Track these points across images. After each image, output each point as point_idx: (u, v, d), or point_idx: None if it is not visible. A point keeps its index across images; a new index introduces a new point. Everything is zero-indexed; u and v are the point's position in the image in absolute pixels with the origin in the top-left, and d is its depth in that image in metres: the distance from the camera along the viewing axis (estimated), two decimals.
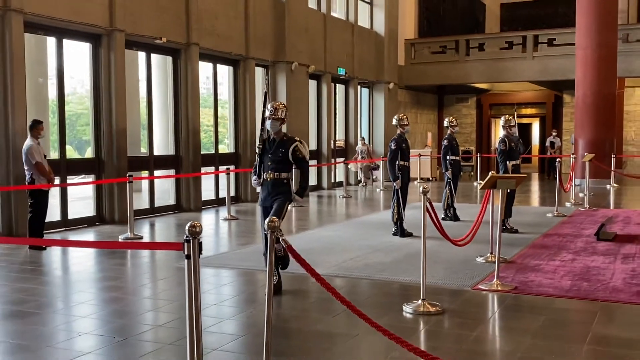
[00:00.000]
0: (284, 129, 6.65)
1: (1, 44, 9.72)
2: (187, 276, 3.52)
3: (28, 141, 8.91)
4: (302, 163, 6.49)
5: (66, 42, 11.19)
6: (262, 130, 6.51)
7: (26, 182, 9.03)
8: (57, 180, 10.05)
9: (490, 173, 7.21)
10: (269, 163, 6.41)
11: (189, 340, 3.56)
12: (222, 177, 14.21)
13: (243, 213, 13.25)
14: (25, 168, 8.93)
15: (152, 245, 4.70)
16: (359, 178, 20.37)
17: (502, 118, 10.47)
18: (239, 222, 12.04)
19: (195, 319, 3.45)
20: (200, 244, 3.53)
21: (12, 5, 9.67)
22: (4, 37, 9.72)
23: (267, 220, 3.73)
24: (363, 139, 20.30)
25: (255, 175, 6.52)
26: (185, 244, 3.53)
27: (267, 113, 6.41)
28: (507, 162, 10.24)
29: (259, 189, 6.69)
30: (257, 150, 6.53)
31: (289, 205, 6.57)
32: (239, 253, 8.72)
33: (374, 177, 20.67)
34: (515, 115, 10.74)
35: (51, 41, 11.15)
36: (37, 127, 8.96)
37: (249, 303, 6.34)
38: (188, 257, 3.52)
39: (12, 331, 5.29)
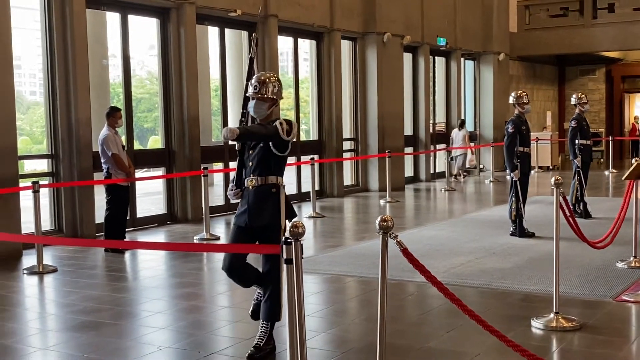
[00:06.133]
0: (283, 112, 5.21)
1: (62, 22, 10.13)
2: (288, 284, 3.57)
3: (104, 131, 9.23)
4: (274, 127, 4.92)
5: (131, 18, 11.55)
6: (243, 115, 5.20)
7: (103, 177, 9.37)
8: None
9: (633, 160, 6.97)
10: (250, 164, 5.07)
11: (289, 357, 3.61)
12: (305, 169, 14.35)
13: (329, 210, 13.34)
14: (102, 160, 9.27)
15: (247, 248, 4.79)
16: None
17: None
18: (325, 220, 12.14)
19: (298, 333, 3.50)
20: (302, 247, 3.57)
21: None
22: (64, 14, 10.12)
23: (378, 220, 3.71)
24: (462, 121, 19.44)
25: (232, 182, 5.25)
26: (285, 247, 3.58)
27: (250, 90, 5.07)
28: None
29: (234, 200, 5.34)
30: (236, 146, 5.17)
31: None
32: (328, 257, 8.78)
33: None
34: None
35: (114, 17, 11.55)
36: (114, 114, 9.28)
37: (343, 315, 6.39)
38: (289, 261, 3.57)
39: (87, 344, 5.52)
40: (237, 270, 5.08)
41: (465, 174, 19.42)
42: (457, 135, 18.96)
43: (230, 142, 4.91)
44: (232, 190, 5.19)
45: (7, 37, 9.19)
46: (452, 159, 18.59)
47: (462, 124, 19.15)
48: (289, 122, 4.99)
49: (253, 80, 5.05)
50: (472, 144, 19.46)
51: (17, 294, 7.35)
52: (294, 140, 5.07)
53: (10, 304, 6.94)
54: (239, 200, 5.19)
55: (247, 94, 5.09)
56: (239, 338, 5.60)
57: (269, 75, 5.12)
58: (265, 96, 5.02)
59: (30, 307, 6.96)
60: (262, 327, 5.09)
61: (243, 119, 5.16)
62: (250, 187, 5.04)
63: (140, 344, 5.53)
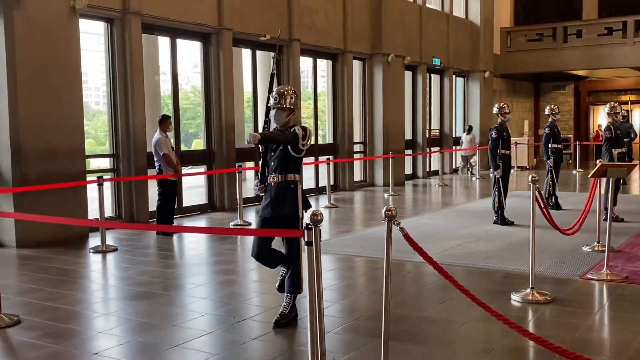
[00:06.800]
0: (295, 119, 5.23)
1: (121, 45, 10.18)
2: (309, 262, 3.56)
3: (157, 134, 9.26)
4: (292, 133, 4.86)
5: (179, 42, 11.57)
6: (265, 122, 5.06)
7: (155, 173, 9.41)
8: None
9: (598, 161, 6.89)
10: (272, 163, 5.00)
11: (309, 322, 3.60)
12: (322, 167, 14.34)
13: (342, 201, 13.31)
14: (155, 159, 9.30)
15: (274, 232, 4.78)
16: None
17: (608, 105, 9.97)
18: (339, 209, 12.11)
19: (317, 303, 3.49)
20: (320, 232, 3.55)
21: (131, 8, 10.09)
22: (124, 38, 10.17)
23: (384, 210, 3.68)
24: (469, 127, 20.06)
25: (257, 179, 5.15)
26: (307, 232, 3.56)
27: (271, 101, 4.98)
28: (613, 150, 9.74)
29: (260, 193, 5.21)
30: (260, 149, 5.08)
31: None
32: (341, 240, 8.76)
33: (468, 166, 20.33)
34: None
35: (164, 41, 11.58)
36: (165, 121, 9.31)
37: (353, 288, 6.38)
38: (309, 243, 3.55)
39: (141, 311, 5.55)
40: (264, 255, 5.07)
41: (468, 167, 19.48)
42: (465, 138, 19.36)
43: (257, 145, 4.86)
44: (256, 186, 5.11)
45: (77, 57, 9.24)
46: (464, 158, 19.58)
47: (469, 130, 19.56)
48: (305, 128, 4.92)
49: (274, 93, 4.98)
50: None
51: (85, 269, 7.40)
52: (312, 143, 5.02)
53: (79, 277, 6.99)
54: (263, 194, 5.14)
55: (268, 104, 5.01)
56: (266, 307, 5.60)
57: (287, 88, 5.03)
58: (284, 106, 4.94)
59: (95, 279, 7.01)
60: (286, 298, 5.11)
61: (265, 126, 5.05)
62: (272, 183, 4.97)
63: (186, 310, 5.54)
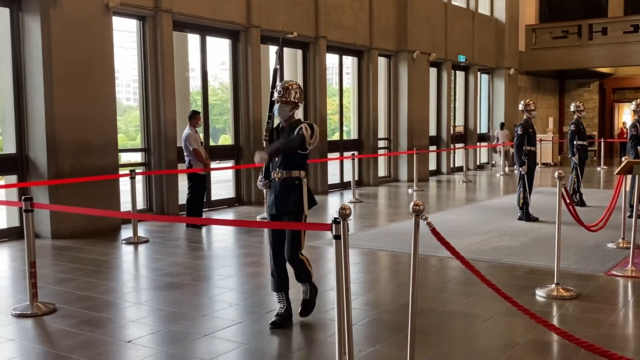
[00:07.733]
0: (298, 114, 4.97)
1: (153, 42, 10.28)
2: (336, 256, 3.56)
3: (187, 130, 9.32)
4: (299, 137, 4.70)
5: (208, 39, 11.64)
6: (269, 117, 4.94)
7: (186, 167, 9.49)
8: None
9: (624, 158, 6.79)
10: (276, 159, 4.80)
11: (337, 315, 3.61)
12: (346, 162, 14.34)
13: (366, 196, 13.29)
14: (185, 154, 9.37)
15: (302, 226, 4.80)
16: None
17: (634, 102, 9.81)
18: (363, 204, 12.10)
19: (345, 296, 3.50)
20: (348, 226, 3.56)
21: (162, 6, 10.18)
22: (155, 36, 10.27)
23: (412, 205, 3.68)
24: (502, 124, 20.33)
25: (262, 175, 4.97)
26: (334, 225, 3.57)
27: (275, 95, 4.81)
28: (638, 148, 9.58)
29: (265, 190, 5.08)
30: (264, 143, 4.98)
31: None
32: (365, 234, 8.76)
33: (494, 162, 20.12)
34: None
35: (194, 38, 11.66)
36: (195, 117, 9.36)
37: (378, 282, 6.38)
38: (337, 237, 3.56)
39: (172, 300, 5.61)
40: (281, 257, 4.94)
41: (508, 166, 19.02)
42: (500, 134, 19.64)
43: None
44: (261, 181, 4.96)
45: (111, 54, 9.35)
46: (495, 152, 20.11)
47: (502, 126, 19.92)
48: (312, 126, 4.75)
49: (278, 87, 4.83)
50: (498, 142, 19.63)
51: (117, 260, 7.51)
52: (320, 139, 4.92)
53: (111, 267, 7.10)
54: (267, 190, 4.98)
55: (272, 99, 4.87)
56: (293, 299, 5.52)
57: (291, 82, 4.85)
58: (288, 100, 4.76)
59: (127, 270, 7.11)
60: (303, 286, 5.03)
61: (269, 121, 4.95)
62: (276, 179, 4.79)
63: (215, 301, 5.60)
